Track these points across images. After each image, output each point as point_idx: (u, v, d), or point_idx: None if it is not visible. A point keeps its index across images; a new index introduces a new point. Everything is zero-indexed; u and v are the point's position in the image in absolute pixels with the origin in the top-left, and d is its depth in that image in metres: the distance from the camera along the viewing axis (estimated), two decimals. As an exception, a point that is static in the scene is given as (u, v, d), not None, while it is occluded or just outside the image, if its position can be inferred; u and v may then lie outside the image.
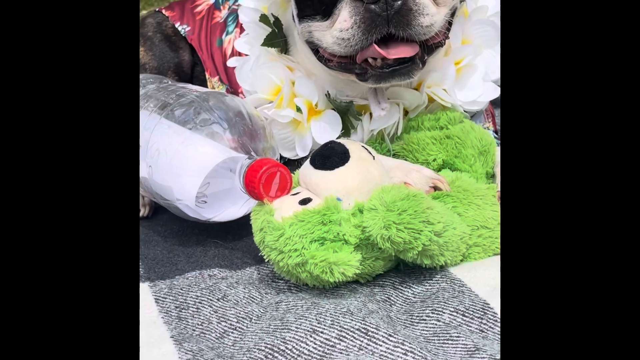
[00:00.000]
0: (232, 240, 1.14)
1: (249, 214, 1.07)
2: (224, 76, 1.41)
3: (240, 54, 1.31)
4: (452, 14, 1.11)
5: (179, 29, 1.48)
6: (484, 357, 0.80)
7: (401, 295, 0.95)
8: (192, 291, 0.99)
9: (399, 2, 1.02)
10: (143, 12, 2.81)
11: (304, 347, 0.85)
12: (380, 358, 0.82)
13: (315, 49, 1.12)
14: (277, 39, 1.19)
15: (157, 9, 1.55)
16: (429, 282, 0.96)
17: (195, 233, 1.17)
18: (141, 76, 1.36)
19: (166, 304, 0.97)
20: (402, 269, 1.00)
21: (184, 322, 0.93)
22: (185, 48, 1.48)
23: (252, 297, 0.97)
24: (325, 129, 1.14)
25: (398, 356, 0.82)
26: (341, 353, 0.83)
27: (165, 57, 1.46)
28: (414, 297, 0.94)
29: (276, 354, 0.84)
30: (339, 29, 1.05)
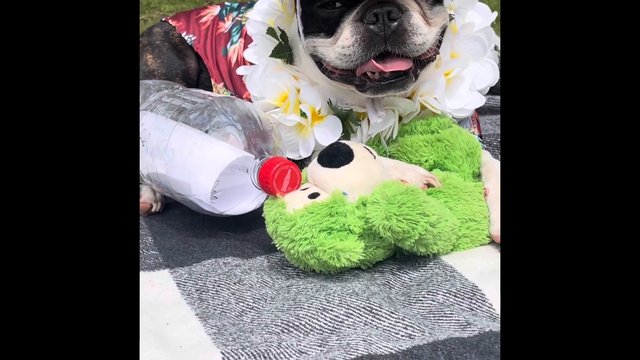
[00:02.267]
0: (242, 232, 1.25)
1: (258, 208, 1.19)
2: (229, 83, 1.52)
3: (245, 62, 1.42)
4: (442, 32, 1.23)
5: (186, 38, 1.58)
6: (474, 330, 0.92)
7: (399, 279, 1.06)
8: (210, 276, 1.10)
9: (395, 23, 1.14)
10: (142, 16, 2.91)
11: (315, 323, 0.96)
12: (383, 332, 0.93)
13: (319, 61, 1.24)
14: (284, 51, 1.30)
15: (163, 19, 1.65)
16: (423, 268, 1.08)
17: (207, 226, 1.28)
18: (151, 82, 1.46)
19: (187, 288, 1.08)
20: (399, 257, 1.11)
21: (205, 302, 1.04)
22: (192, 56, 1.58)
23: (265, 282, 1.08)
24: (327, 133, 1.26)
25: (399, 330, 0.93)
26: (349, 328, 0.95)
27: (173, 64, 1.57)
28: (411, 281, 1.06)
29: (291, 329, 0.95)
30: (341, 45, 1.17)
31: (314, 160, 1.11)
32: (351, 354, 0.88)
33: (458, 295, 0.99)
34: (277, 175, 1.09)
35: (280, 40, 1.31)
